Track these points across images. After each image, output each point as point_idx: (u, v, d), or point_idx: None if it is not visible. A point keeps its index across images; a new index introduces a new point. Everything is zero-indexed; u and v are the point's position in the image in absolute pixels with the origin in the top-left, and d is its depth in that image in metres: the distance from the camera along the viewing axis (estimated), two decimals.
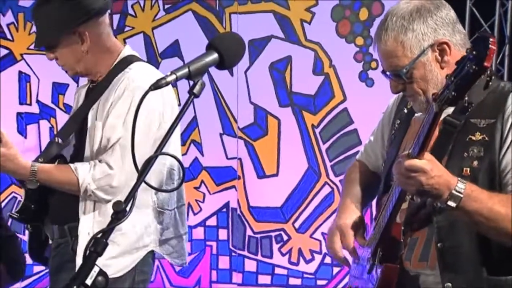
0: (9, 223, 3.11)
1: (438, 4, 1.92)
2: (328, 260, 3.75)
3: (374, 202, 2.12)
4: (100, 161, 2.38)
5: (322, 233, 3.79)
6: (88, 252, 1.48)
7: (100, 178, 2.35)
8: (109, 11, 2.52)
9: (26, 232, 2.63)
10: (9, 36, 4.26)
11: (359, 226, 2.05)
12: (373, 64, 3.70)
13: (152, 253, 2.47)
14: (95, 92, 2.48)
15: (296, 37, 3.87)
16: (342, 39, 3.77)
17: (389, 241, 1.88)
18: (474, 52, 1.61)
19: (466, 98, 1.68)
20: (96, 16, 2.44)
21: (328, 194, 3.83)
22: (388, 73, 1.93)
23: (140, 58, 2.54)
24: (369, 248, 1.96)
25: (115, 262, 2.35)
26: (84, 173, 2.35)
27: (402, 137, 2.02)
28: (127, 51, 2.52)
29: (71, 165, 2.38)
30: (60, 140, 2.46)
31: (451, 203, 1.75)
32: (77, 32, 2.41)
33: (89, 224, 2.38)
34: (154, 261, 2.51)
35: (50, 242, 2.55)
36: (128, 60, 2.47)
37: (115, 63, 2.48)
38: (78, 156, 2.45)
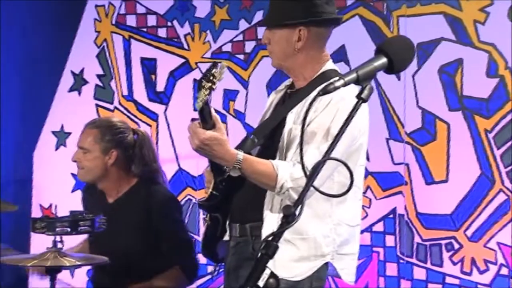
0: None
1: None
2: (504, 271, 3.57)
3: None
4: (298, 162, 2.45)
5: (497, 243, 3.61)
6: (259, 254, 1.53)
7: (298, 178, 2.42)
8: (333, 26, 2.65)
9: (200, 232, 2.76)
10: (185, 46, 4.49)
11: None
12: None
13: (327, 263, 2.51)
14: (295, 97, 2.60)
15: (468, 39, 3.72)
16: None
17: None
18: None
19: None
20: (321, 25, 2.57)
21: (503, 202, 3.65)
22: None
23: (341, 74, 2.62)
24: None
25: (294, 266, 2.43)
26: (284, 170, 2.44)
27: None
28: (329, 65, 2.62)
29: (272, 161, 2.48)
30: (254, 138, 2.57)
31: None
32: (298, 29, 2.52)
33: (273, 222, 2.46)
34: (327, 270, 2.54)
35: (224, 239, 2.67)
36: (328, 75, 2.57)
37: (317, 73, 2.58)
38: (264, 155, 2.54)
